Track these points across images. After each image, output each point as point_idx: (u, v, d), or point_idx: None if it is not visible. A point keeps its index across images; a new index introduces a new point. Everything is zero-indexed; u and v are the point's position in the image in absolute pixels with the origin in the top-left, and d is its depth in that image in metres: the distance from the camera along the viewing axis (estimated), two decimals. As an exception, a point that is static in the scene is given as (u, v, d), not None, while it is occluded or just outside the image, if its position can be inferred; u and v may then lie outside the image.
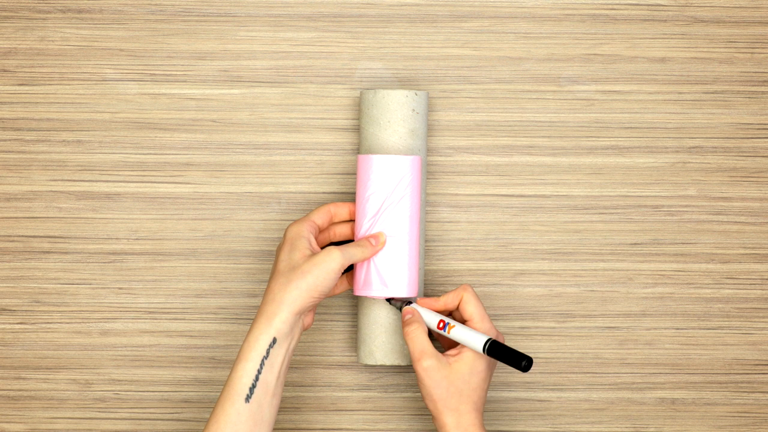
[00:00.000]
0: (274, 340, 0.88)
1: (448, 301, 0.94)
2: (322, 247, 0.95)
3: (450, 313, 0.97)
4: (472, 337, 0.91)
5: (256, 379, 0.88)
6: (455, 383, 0.91)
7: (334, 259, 0.89)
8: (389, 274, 0.94)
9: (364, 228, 0.94)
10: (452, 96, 1.02)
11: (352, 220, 0.97)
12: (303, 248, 0.90)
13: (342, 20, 1.02)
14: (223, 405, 0.88)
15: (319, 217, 0.94)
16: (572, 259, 1.03)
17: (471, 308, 0.93)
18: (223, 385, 0.95)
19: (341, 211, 0.96)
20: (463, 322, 0.94)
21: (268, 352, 0.88)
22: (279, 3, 1.02)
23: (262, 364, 0.88)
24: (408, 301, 0.95)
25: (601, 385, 1.03)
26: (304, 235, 0.91)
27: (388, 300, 0.96)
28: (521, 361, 0.88)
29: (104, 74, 1.02)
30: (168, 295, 1.02)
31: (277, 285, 0.89)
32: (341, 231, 0.97)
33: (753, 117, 1.03)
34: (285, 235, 0.92)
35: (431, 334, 0.98)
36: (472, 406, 0.91)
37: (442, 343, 0.99)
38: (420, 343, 0.91)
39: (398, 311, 0.97)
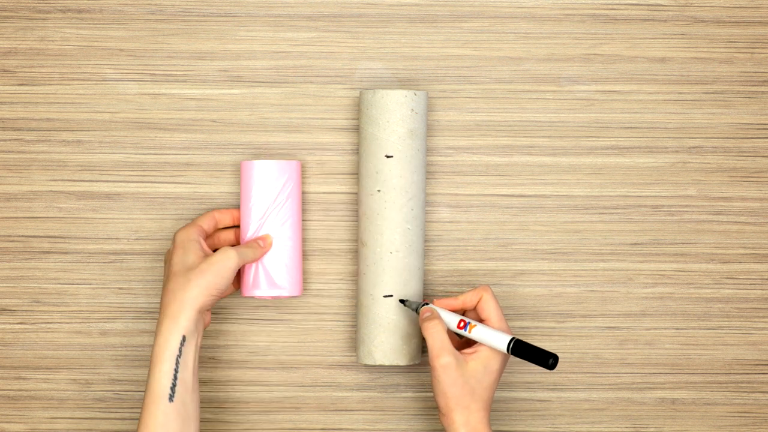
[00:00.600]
0: (184, 338, 0.90)
1: (467, 300, 0.95)
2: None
3: (464, 313, 0.97)
4: (495, 337, 0.91)
5: (175, 378, 0.90)
6: (469, 382, 0.91)
7: (230, 258, 0.92)
8: (276, 274, 0.98)
9: (250, 231, 0.98)
10: (452, 96, 1.02)
11: (235, 226, 1.00)
12: (196, 250, 0.93)
13: (342, 20, 1.02)
14: (149, 408, 0.90)
15: (206, 223, 0.97)
16: (572, 259, 1.03)
17: (491, 309, 0.94)
18: (145, 389, 0.97)
19: (225, 217, 0.99)
20: (480, 321, 0.94)
21: (180, 351, 0.90)
22: (279, 3, 1.02)
23: (177, 363, 0.90)
24: (424, 303, 0.95)
25: (601, 385, 1.03)
26: (194, 238, 0.94)
27: (402, 301, 0.96)
28: (548, 359, 0.88)
29: (104, 74, 1.02)
30: (168, 295, 1.02)
31: (177, 285, 0.91)
32: (225, 237, 1.00)
33: (753, 117, 1.03)
34: (174, 240, 0.94)
35: None
36: (481, 404, 0.92)
37: (454, 344, 0.99)
38: (440, 339, 0.92)
39: (401, 312, 0.97)
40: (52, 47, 1.02)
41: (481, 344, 0.93)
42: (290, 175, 0.99)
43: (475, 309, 0.96)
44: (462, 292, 1.01)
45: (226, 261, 0.92)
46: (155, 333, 0.91)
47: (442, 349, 0.91)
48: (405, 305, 0.97)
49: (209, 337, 1.02)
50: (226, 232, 1.00)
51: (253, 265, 0.98)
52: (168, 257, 0.95)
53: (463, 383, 0.91)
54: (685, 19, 1.02)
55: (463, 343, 0.97)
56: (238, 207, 1.00)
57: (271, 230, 0.98)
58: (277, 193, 0.98)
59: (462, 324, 0.93)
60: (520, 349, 0.90)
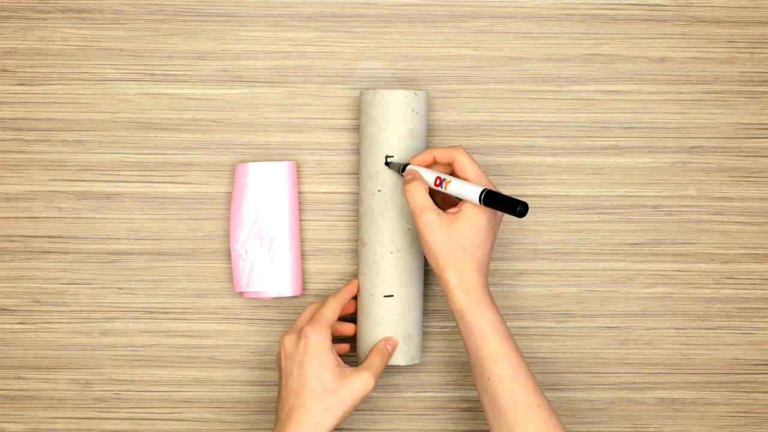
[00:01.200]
0: None
1: (438, 155, 0.93)
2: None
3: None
4: (468, 190, 0.90)
5: None
6: (456, 239, 0.90)
7: (369, 386, 0.92)
8: (274, 274, 0.99)
9: (244, 233, 0.99)
10: (452, 96, 1.02)
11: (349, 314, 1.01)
12: (332, 365, 0.91)
13: (342, 20, 1.02)
14: None
15: (333, 317, 0.95)
16: (572, 259, 1.03)
17: (466, 166, 0.92)
18: None
19: (346, 297, 0.97)
20: None
21: None
22: (279, 3, 1.02)
23: None
24: (404, 165, 0.95)
25: (601, 385, 1.03)
26: (328, 347, 0.92)
27: (387, 164, 0.96)
28: (516, 207, 0.86)
29: (104, 74, 1.02)
30: (168, 295, 1.02)
31: (315, 409, 0.90)
32: (344, 329, 1.00)
33: (753, 117, 1.03)
34: (308, 343, 0.92)
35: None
36: (474, 264, 0.90)
37: (441, 207, 0.98)
38: (421, 198, 0.90)
39: (401, 312, 0.97)
40: (52, 47, 1.02)
41: (463, 203, 0.91)
42: (284, 176, 0.99)
43: (453, 173, 0.94)
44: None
45: (366, 389, 0.91)
46: None
47: (424, 207, 0.90)
48: (389, 167, 0.96)
49: (209, 337, 1.02)
50: (345, 326, 0.99)
51: (251, 264, 0.98)
52: (301, 356, 0.92)
53: (449, 241, 0.90)
54: (685, 19, 1.02)
55: (453, 205, 0.96)
56: (347, 294, 0.99)
57: (267, 231, 0.99)
58: (272, 195, 0.98)
59: (438, 181, 0.92)
60: (491, 199, 0.88)
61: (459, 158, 0.92)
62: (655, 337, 1.03)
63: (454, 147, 0.93)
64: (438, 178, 0.92)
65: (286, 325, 1.03)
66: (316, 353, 0.91)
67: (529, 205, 0.95)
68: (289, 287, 1.00)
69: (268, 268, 0.99)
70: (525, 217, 1.00)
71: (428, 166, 0.94)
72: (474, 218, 0.90)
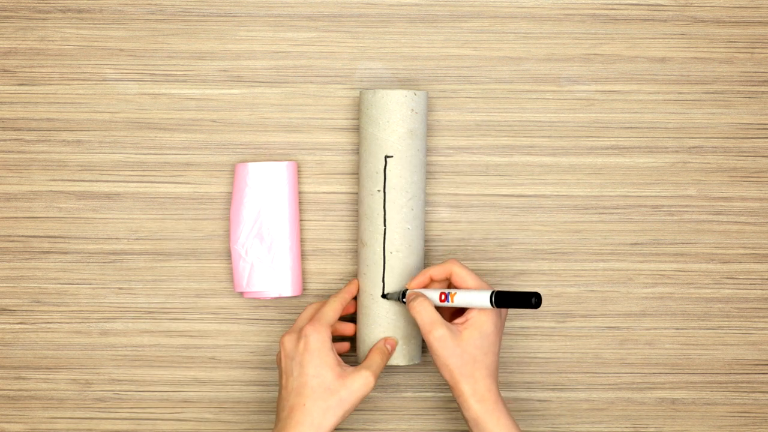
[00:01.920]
0: None
1: (434, 273, 0.95)
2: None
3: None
4: (476, 297, 0.91)
5: None
6: (468, 350, 0.91)
7: (370, 385, 0.91)
8: (274, 275, 0.99)
9: (244, 233, 0.99)
10: (452, 96, 1.02)
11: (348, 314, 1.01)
12: (332, 364, 0.91)
13: (342, 20, 1.02)
14: None
15: (333, 317, 0.95)
16: (572, 259, 1.03)
17: (465, 276, 0.94)
18: None
19: (347, 297, 0.97)
20: None
21: None
22: (279, 3, 1.02)
23: None
24: (403, 293, 0.95)
25: (601, 385, 1.03)
26: (329, 346, 0.92)
27: (384, 296, 0.96)
28: (530, 299, 0.87)
29: (104, 74, 1.02)
30: (168, 295, 1.02)
31: (316, 408, 0.90)
32: (343, 329, 1.00)
33: (753, 117, 1.03)
34: (308, 342, 0.92)
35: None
36: (486, 372, 0.92)
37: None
38: (429, 314, 0.92)
39: (402, 312, 0.97)
40: (52, 47, 1.02)
41: (469, 312, 0.92)
42: (284, 176, 0.99)
43: (450, 286, 0.96)
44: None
45: (366, 388, 0.91)
46: None
47: (433, 323, 0.91)
48: (387, 298, 0.97)
49: (209, 337, 1.02)
50: (345, 326, 0.99)
51: (251, 264, 0.98)
52: (301, 355, 0.92)
53: (461, 352, 0.91)
54: (685, 19, 1.02)
55: (453, 318, 0.97)
56: (347, 294, 0.99)
57: (268, 232, 0.99)
58: (272, 195, 0.99)
59: (443, 296, 0.93)
60: (502, 298, 0.89)
61: (456, 270, 0.94)
62: (655, 337, 1.03)
63: (448, 261, 0.95)
64: (442, 293, 0.93)
65: (286, 325, 1.03)
66: (316, 353, 0.91)
67: (542, 295, 0.97)
68: (290, 287, 1.00)
69: (269, 268, 0.99)
70: (523, 215, 1.00)
71: (425, 287, 0.96)
72: (482, 326, 0.92)
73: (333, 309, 0.95)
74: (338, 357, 0.93)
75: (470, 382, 0.91)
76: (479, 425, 0.91)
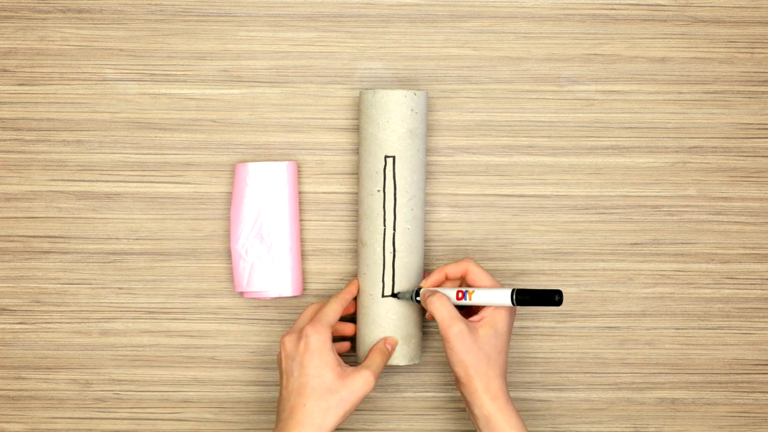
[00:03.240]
0: None
1: (450, 272, 0.96)
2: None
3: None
4: (496, 295, 0.92)
5: None
6: (483, 348, 0.92)
7: (370, 385, 0.91)
8: (274, 275, 0.99)
9: (244, 234, 0.99)
10: (452, 96, 1.02)
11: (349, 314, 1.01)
12: (333, 364, 0.91)
13: (342, 20, 1.02)
14: None
15: (334, 318, 0.95)
16: (572, 259, 1.03)
17: (480, 275, 0.95)
18: None
19: (347, 298, 0.97)
20: None
21: None
22: (279, 3, 1.02)
23: None
24: (417, 291, 0.96)
25: (601, 385, 1.03)
26: (329, 346, 0.92)
27: (395, 295, 0.96)
28: (554, 297, 0.88)
29: (104, 74, 1.02)
30: (168, 295, 1.02)
31: (317, 409, 0.90)
32: (343, 328, 1.00)
33: (753, 117, 1.03)
34: (308, 342, 0.92)
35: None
36: (499, 371, 0.93)
37: None
38: (448, 309, 0.92)
39: (401, 312, 0.97)
40: (52, 47, 1.02)
41: (484, 310, 0.93)
42: (284, 175, 0.99)
43: (463, 285, 0.96)
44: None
45: (367, 388, 0.91)
46: None
47: (452, 318, 0.92)
48: (399, 298, 0.97)
49: (209, 337, 1.03)
50: (345, 326, 1.00)
51: (251, 264, 0.99)
52: (302, 355, 0.92)
53: (477, 350, 0.91)
54: (685, 19, 1.02)
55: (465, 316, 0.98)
56: (348, 293, 0.98)
57: (267, 231, 0.99)
58: (272, 195, 0.99)
59: (460, 294, 0.93)
60: (524, 296, 0.90)
61: (472, 269, 0.95)
62: (655, 337, 1.03)
63: (464, 260, 0.96)
64: (459, 291, 0.93)
65: (286, 325, 1.03)
66: (316, 353, 0.91)
67: (563, 292, 0.98)
68: (290, 287, 1.00)
69: (269, 268, 0.99)
70: (524, 215, 1.00)
71: (440, 285, 0.96)
72: (498, 324, 0.93)
73: (333, 310, 0.95)
74: (339, 357, 0.93)
75: (484, 380, 0.92)
76: (491, 423, 0.92)
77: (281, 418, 0.91)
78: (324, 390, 0.90)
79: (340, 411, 0.90)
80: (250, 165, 0.99)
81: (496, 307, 0.93)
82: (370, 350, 0.95)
